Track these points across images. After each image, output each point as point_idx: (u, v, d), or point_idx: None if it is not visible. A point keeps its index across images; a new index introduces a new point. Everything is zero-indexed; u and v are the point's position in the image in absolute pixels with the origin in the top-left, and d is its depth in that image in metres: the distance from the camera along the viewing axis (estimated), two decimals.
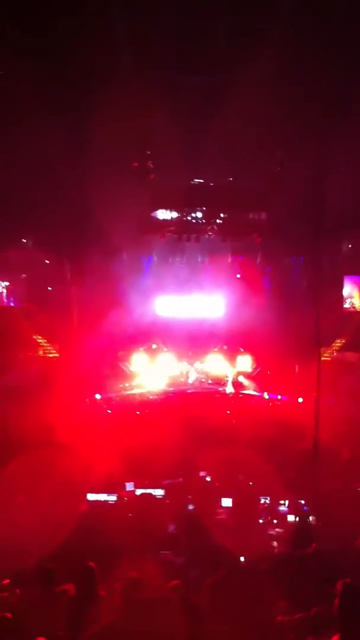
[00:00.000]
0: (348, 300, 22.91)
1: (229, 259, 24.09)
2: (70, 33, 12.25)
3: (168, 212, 22.29)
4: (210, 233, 22.21)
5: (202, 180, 20.88)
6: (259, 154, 17.58)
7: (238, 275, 23.99)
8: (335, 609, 4.52)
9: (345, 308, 22.83)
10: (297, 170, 16.86)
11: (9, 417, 15.11)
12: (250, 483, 11.13)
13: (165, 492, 11.01)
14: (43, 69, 13.09)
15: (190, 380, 23.46)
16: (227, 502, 10.14)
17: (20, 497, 10.29)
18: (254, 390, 22.17)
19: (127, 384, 22.72)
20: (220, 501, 10.20)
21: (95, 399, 20.22)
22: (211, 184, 21.09)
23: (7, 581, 6.53)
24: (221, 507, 10.13)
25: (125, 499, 10.77)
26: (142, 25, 12.43)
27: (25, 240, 22.01)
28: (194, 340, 23.43)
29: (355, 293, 22.92)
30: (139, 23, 12.37)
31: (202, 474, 11.89)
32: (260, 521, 9.77)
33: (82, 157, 16.19)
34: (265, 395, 21.24)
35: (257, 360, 23.20)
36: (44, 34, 12.28)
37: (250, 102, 14.51)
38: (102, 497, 10.76)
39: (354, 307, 22.81)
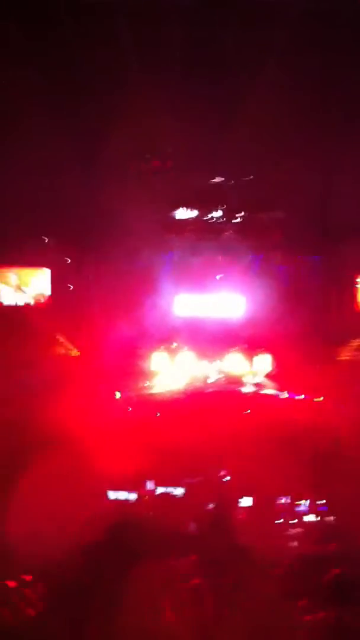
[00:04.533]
0: None
1: (249, 258, 24.03)
2: (81, 33, 12.37)
3: (188, 211, 22.30)
4: (229, 232, 22.18)
5: (222, 179, 20.89)
6: (278, 152, 17.57)
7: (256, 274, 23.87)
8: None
9: None
10: (315, 168, 16.85)
11: (29, 414, 15.22)
12: (270, 482, 11.13)
13: (186, 491, 11.06)
14: (57, 69, 13.22)
15: (210, 380, 23.44)
16: (246, 501, 10.18)
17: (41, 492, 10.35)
18: (274, 389, 22.11)
19: (147, 383, 22.75)
20: (239, 501, 10.24)
21: (115, 398, 20.29)
22: (231, 182, 21.09)
23: (30, 577, 6.59)
24: (241, 506, 10.17)
25: (146, 497, 10.85)
26: (151, 25, 12.53)
27: (46, 239, 22.10)
28: (213, 339, 23.38)
29: None
30: (148, 24, 12.47)
31: (221, 473, 11.93)
32: (280, 521, 9.79)
33: (103, 157, 16.30)
34: (285, 395, 21.16)
35: (277, 359, 23.12)
36: (52, 36, 12.41)
37: (270, 101, 14.53)
38: (122, 495, 10.84)
39: None
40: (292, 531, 9.34)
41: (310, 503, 10.12)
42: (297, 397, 20.77)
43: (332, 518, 9.58)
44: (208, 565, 7.57)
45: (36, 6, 11.92)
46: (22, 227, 19.23)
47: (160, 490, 11.09)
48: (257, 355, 23.83)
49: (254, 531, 9.00)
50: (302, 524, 9.52)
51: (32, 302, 22.37)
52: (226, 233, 22.26)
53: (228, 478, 11.74)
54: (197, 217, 22.30)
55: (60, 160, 16.61)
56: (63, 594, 6.09)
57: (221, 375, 23.62)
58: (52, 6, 11.95)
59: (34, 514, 9.14)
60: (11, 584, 6.46)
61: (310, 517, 9.69)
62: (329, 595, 5.94)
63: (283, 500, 10.23)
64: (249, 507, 10.10)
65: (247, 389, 22.61)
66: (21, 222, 18.92)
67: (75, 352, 22.11)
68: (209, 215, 22.25)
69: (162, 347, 24.10)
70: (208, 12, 12.69)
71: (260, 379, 22.94)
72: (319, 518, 9.65)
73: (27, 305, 22.19)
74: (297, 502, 10.17)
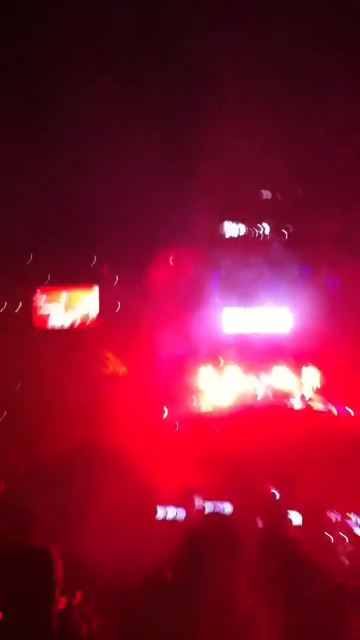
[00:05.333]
0: None
1: (296, 271, 23.95)
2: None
3: (235, 225, 22.45)
4: (276, 245, 22.22)
5: (269, 192, 21.01)
6: (326, 164, 17.59)
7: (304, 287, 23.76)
8: None
9: None
10: None
11: (79, 431, 15.45)
12: (319, 497, 11.04)
13: (234, 507, 11.04)
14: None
15: (257, 396, 23.34)
16: (295, 517, 10.09)
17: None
18: (323, 403, 21.92)
19: (194, 399, 22.80)
20: (288, 516, 10.16)
21: (164, 414, 20.39)
22: (278, 196, 21.18)
23: (80, 593, 6.64)
24: (290, 522, 10.08)
25: (195, 513, 10.86)
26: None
27: (95, 258, 22.46)
28: (260, 353, 23.32)
29: None
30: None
31: (270, 488, 11.86)
32: (330, 536, 9.69)
33: (150, 172, 16.56)
34: (334, 409, 20.96)
35: (325, 373, 22.93)
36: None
37: (318, 109, 14.59)
38: (171, 511, 10.89)
39: None
40: (343, 547, 9.24)
41: None
42: (345, 410, 20.54)
43: None
44: (260, 580, 7.54)
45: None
46: (72, 247, 19.67)
47: (209, 506, 11.09)
48: (305, 368, 23.70)
49: (303, 546, 8.93)
50: (352, 539, 9.42)
51: (81, 321, 22.75)
52: (273, 246, 22.30)
53: (277, 493, 11.68)
54: (244, 231, 22.44)
55: (107, 179, 16.94)
56: (114, 609, 6.13)
57: (269, 390, 23.53)
58: None
59: (82, 530, 9.24)
60: (63, 600, 6.53)
61: None
62: None
63: (332, 516, 10.14)
64: (298, 523, 10.02)
65: (295, 403, 22.47)
66: (70, 243, 19.36)
67: (123, 370, 22.34)
68: (256, 229, 22.36)
69: (210, 362, 24.18)
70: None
71: (309, 392, 22.77)
72: None
73: (76, 325, 22.59)
74: (346, 517, 10.06)
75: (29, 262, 21.46)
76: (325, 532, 9.73)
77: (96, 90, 14.18)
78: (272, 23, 13.57)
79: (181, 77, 14.46)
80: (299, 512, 10.14)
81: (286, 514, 10.23)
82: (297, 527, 9.91)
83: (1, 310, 21.36)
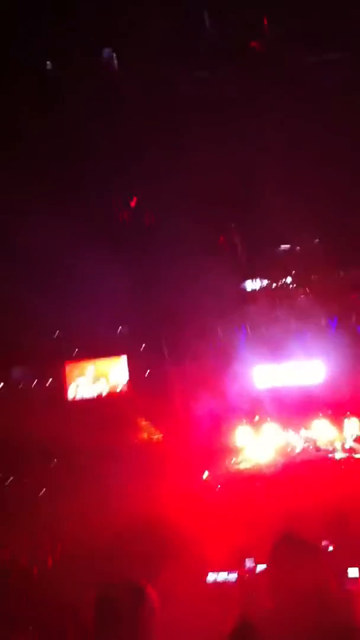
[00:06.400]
0: None
1: (324, 322, 23.74)
2: None
3: (258, 281, 22.45)
4: (302, 296, 22.12)
5: (288, 246, 21.05)
6: (344, 211, 17.61)
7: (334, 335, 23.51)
8: None
9: None
10: None
11: (121, 503, 15.16)
12: None
13: None
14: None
15: (297, 449, 22.82)
16: (353, 572, 9.66)
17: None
18: None
19: (234, 459, 22.34)
20: (345, 572, 9.72)
21: (204, 477, 19.98)
22: (298, 248, 21.21)
23: None
24: (347, 578, 9.65)
25: (247, 576, 10.45)
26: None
27: (120, 328, 22.52)
28: (297, 408, 22.88)
29: None
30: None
31: (324, 543, 11.40)
32: None
33: (169, 237, 16.71)
34: None
35: None
36: None
37: (333, 160, 14.70)
38: (222, 576, 10.48)
39: None
40: None
41: None
42: None
43: None
44: None
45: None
46: (97, 319, 19.75)
47: (260, 567, 10.64)
48: (344, 419, 23.13)
49: None
50: None
51: (110, 390, 22.63)
52: (299, 298, 22.22)
53: (331, 548, 11.21)
54: (267, 285, 22.42)
55: (127, 248, 17.12)
56: None
57: (309, 444, 22.95)
58: None
59: None
60: None
61: None
62: None
63: None
64: (356, 578, 9.56)
65: (338, 455, 21.85)
66: (95, 315, 19.45)
67: (158, 436, 22.04)
68: (280, 283, 22.33)
69: (245, 421, 23.73)
70: None
71: (350, 442, 22.16)
72: None
73: (106, 395, 22.47)
74: None
75: (55, 336, 21.60)
76: None
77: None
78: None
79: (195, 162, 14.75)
80: (357, 566, 9.70)
81: (342, 569, 9.79)
82: (356, 582, 9.46)
83: (33, 386, 21.39)
